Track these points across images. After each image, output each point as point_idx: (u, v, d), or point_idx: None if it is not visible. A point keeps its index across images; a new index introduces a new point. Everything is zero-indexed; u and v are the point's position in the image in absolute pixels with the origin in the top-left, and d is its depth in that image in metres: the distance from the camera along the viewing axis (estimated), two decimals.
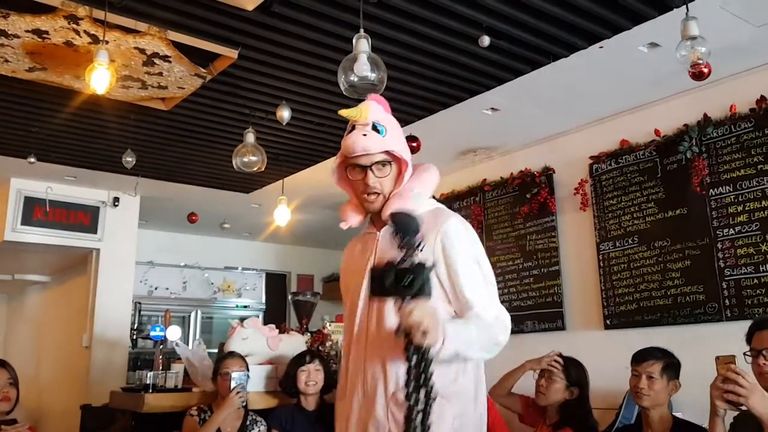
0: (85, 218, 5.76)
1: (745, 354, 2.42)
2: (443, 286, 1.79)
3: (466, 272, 1.78)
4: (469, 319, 1.76)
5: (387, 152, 1.84)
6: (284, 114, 3.77)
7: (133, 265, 6.06)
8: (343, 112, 1.84)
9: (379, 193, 1.85)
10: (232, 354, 3.49)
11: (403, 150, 1.86)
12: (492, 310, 1.79)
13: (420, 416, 1.49)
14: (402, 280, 1.52)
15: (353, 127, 1.83)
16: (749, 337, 2.43)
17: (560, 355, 3.32)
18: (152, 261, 7.10)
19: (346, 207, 1.95)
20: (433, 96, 3.91)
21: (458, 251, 1.79)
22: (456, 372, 1.78)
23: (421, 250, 1.59)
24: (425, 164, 1.97)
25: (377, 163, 1.83)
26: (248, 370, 3.40)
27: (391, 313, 1.72)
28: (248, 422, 3.32)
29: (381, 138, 1.81)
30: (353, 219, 1.92)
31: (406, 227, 1.57)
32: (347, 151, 1.81)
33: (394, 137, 1.85)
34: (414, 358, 1.53)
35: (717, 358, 2.21)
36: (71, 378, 5.94)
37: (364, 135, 1.79)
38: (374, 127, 1.81)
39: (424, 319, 1.51)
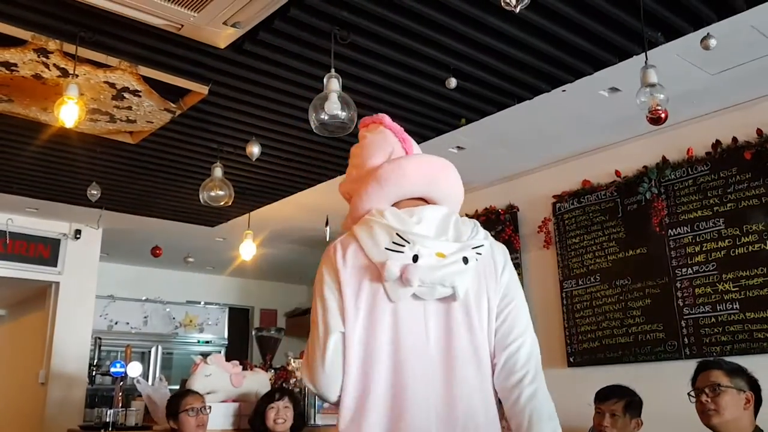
0: (45, 251, 5.65)
1: (689, 394, 2.50)
2: None
3: None
4: None
5: None
6: (254, 150, 3.78)
7: (93, 299, 5.94)
8: None
9: None
10: (191, 392, 3.42)
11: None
12: None
13: None
14: None
15: None
16: (694, 379, 2.52)
17: None
18: (113, 295, 6.96)
19: None
20: None
21: None
22: None
23: None
24: None
25: None
26: (209, 407, 3.34)
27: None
28: None
29: None
30: None
31: None
32: None
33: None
34: None
35: None
36: (26, 415, 5.75)
37: None
38: None
39: None
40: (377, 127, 1.79)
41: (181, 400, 3.22)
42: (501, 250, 1.64)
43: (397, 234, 1.53)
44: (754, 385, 2.43)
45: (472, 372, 1.51)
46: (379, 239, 1.54)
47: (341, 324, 1.52)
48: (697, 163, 3.82)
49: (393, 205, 1.65)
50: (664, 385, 3.45)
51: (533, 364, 1.53)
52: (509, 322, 1.55)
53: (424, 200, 1.69)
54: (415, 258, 1.51)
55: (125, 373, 4.19)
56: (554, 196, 4.54)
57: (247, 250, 5.31)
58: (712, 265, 3.66)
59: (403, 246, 1.52)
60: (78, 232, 5.81)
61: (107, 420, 3.52)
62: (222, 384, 3.73)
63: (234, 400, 3.74)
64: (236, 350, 7.37)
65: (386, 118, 1.79)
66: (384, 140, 1.76)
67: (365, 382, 1.50)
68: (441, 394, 1.49)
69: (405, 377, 1.49)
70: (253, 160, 3.89)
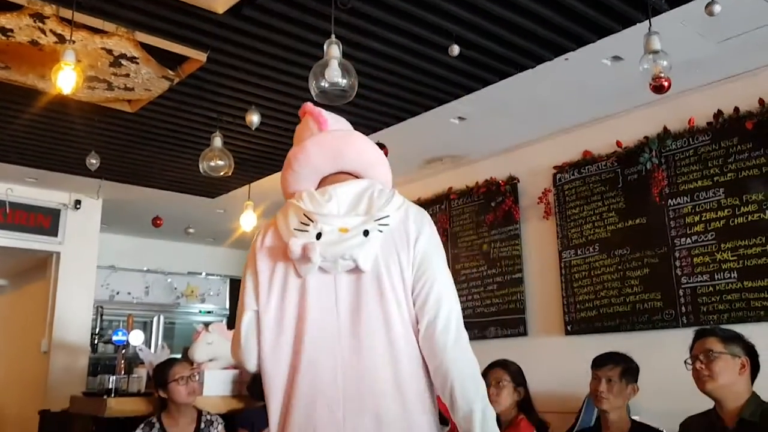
0: (45, 221, 5.66)
1: (685, 361, 2.53)
2: None
3: None
4: None
5: None
6: (254, 118, 3.77)
7: (94, 269, 5.96)
8: None
9: None
10: (178, 360, 3.43)
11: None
12: None
13: None
14: None
15: None
16: (692, 347, 2.55)
17: (502, 363, 3.35)
18: (114, 265, 7.00)
19: None
20: (402, 104, 3.95)
21: None
22: None
23: None
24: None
25: None
26: (197, 374, 3.32)
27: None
28: (203, 425, 3.21)
29: None
30: None
31: None
32: None
33: None
34: None
35: None
36: (28, 383, 5.81)
37: None
38: None
39: None
40: (303, 117, 1.88)
41: (169, 369, 3.19)
42: (417, 219, 1.67)
43: (304, 214, 1.65)
44: (750, 351, 2.46)
45: (380, 341, 1.58)
46: (290, 221, 1.67)
47: (255, 303, 1.66)
48: (698, 133, 3.81)
49: (320, 183, 1.77)
50: (661, 353, 3.48)
51: (452, 330, 1.57)
52: (425, 291, 1.59)
53: (352, 174, 1.77)
54: (319, 236, 1.61)
55: (127, 341, 4.23)
56: (555, 167, 4.53)
57: (248, 221, 5.31)
58: (711, 235, 3.67)
59: (308, 225, 1.64)
60: (78, 202, 5.81)
61: (110, 386, 3.54)
62: (224, 351, 3.76)
63: (234, 368, 3.78)
64: None
65: (308, 105, 1.88)
66: (305, 127, 1.85)
67: (277, 355, 1.62)
68: (349, 363, 1.57)
69: (308, 349, 1.59)
70: (253, 129, 3.87)
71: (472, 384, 1.56)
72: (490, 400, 3.28)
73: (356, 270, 1.61)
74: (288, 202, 1.75)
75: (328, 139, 1.79)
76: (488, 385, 3.24)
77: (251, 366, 1.68)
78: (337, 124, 1.86)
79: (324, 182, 1.78)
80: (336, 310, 1.61)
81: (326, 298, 1.62)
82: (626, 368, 2.96)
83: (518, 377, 3.26)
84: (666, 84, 2.72)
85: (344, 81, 2.66)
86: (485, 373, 3.34)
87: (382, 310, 1.59)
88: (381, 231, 1.62)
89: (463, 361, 1.57)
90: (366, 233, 1.61)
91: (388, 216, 1.64)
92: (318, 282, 1.63)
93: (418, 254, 1.62)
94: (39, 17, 2.88)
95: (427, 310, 1.59)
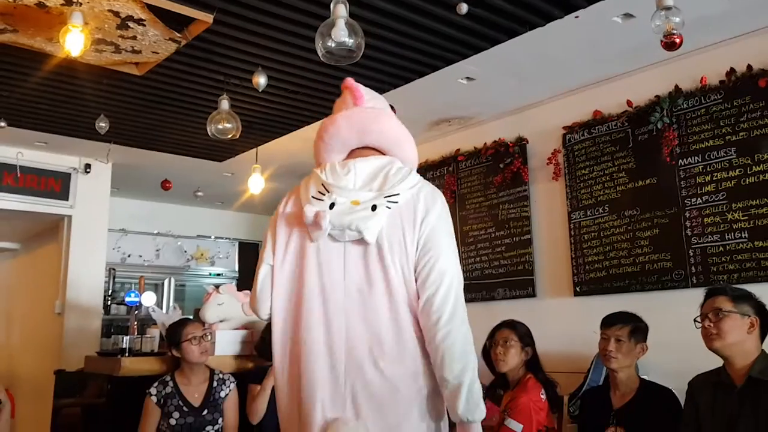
0: (56, 185, 5.69)
1: (695, 320, 2.55)
2: None
3: None
4: None
5: None
6: (260, 80, 3.75)
7: (105, 233, 6.02)
8: None
9: None
10: (190, 320, 3.48)
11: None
12: None
13: None
14: None
15: None
16: (702, 306, 2.57)
17: (510, 323, 3.38)
18: (125, 228, 7.06)
19: None
20: (410, 64, 3.91)
21: None
22: None
23: None
24: None
25: None
26: (209, 334, 3.38)
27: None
28: (215, 383, 3.27)
29: None
30: None
31: None
32: None
33: None
34: None
35: None
36: (43, 345, 5.92)
37: None
38: None
39: None
40: (343, 92, 2.00)
41: (182, 329, 3.24)
42: (428, 199, 1.78)
43: (323, 185, 1.82)
44: (760, 311, 2.47)
45: (384, 303, 1.71)
46: (310, 190, 1.84)
47: (271, 259, 1.85)
48: (710, 91, 3.76)
49: (348, 156, 1.91)
50: (670, 313, 3.50)
51: (449, 307, 1.68)
52: (428, 268, 1.70)
53: (377, 150, 1.90)
54: (332, 206, 1.76)
55: (140, 302, 4.29)
56: (564, 128, 4.50)
57: (256, 185, 5.33)
58: (722, 195, 3.65)
59: (324, 195, 1.79)
60: (88, 166, 5.83)
61: (124, 346, 3.61)
62: (234, 312, 3.83)
63: (245, 328, 3.84)
64: (246, 283, 7.42)
65: (348, 80, 1.99)
66: (342, 101, 1.98)
67: (286, 310, 1.81)
68: (353, 326, 1.71)
69: (315, 308, 1.75)
70: (260, 90, 3.86)
71: (460, 359, 1.64)
72: (496, 360, 3.35)
73: (362, 241, 1.73)
74: (312, 171, 1.90)
75: (357, 114, 1.90)
76: (495, 345, 3.30)
77: (263, 313, 1.87)
78: (372, 101, 1.96)
79: (351, 155, 1.90)
80: (344, 276, 1.75)
81: (336, 265, 1.76)
82: (635, 327, 2.98)
83: (526, 337, 3.30)
84: (678, 41, 2.68)
85: (351, 41, 2.63)
86: (493, 333, 3.38)
87: (385, 281, 1.71)
88: (389, 207, 1.73)
89: (455, 337, 1.65)
90: (374, 208, 1.73)
91: (398, 194, 1.75)
92: (329, 248, 1.77)
93: (424, 233, 1.73)
94: None
95: (428, 286, 1.69)
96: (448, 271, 1.71)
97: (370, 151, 1.89)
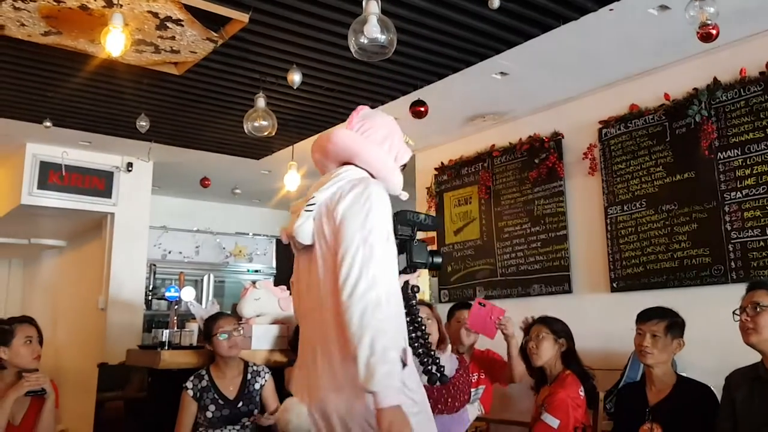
0: (99, 183, 5.85)
1: (734, 312, 2.51)
2: None
3: None
4: None
5: None
6: (295, 78, 3.79)
7: (146, 230, 6.16)
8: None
9: None
10: (224, 315, 3.53)
11: None
12: None
13: None
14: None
15: None
16: (743, 298, 2.53)
17: (542, 318, 3.40)
18: (165, 226, 7.20)
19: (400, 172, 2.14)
20: (443, 60, 3.92)
21: None
22: None
23: None
24: None
25: None
26: (241, 328, 3.43)
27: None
28: (249, 376, 3.33)
29: None
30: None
31: (436, 227, 2.16)
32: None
33: None
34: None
35: None
36: (87, 339, 6.09)
37: None
38: None
39: None
40: None
41: (213, 323, 3.31)
42: (343, 193, 1.89)
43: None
44: None
45: (328, 302, 1.86)
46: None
47: None
48: (750, 83, 3.68)
49: None
50: (709, 309, 3.45)
51: (349, 285, 1.75)
52: (340, 254, 1.81)
53: (350, 164, 2.04)
54: None
55: (179, 297, 4.38)
56: (600, 122, 4.45)
57: (292, 181, 5.39)
58: (763, 188, 3.57)
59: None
60: (130, 164, 5.98)
61: (164, 340, 3.69)
62: (270, 307, 3.89)
63: (281, 322, 3.90)
64: (284, 279, 7.52)
65: (358, 108, 2.17)
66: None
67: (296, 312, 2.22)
68: (317, 318, 1.91)
69: (300, 309, 2.08)
70: (295, 88, 3.90)
71: (356, 332, 1.71)
72: (530, 354, 3.35)
73: (308, 247, 1.95)
74: None
75: (320, 137, 2.11)
76: (529, 341, 3.29)
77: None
78: (361, 121, 2.09)
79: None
80: (306, 279, 1.98)
81: (301, 271, 2.02)
82: (671, 323, 2.94)
83: (558, 330, 3.28)
84: (714, 32, 2.65)
85: (383, 37, 2.65)
86: (527, 330, 3.38)
87: (318, 279, 1.90)
88: (309, 211, 1.92)
89: (352, 312, 1.72)
90: (299, 215, 1.94)
91: (314, 197, 1.92)
92: (298, 257, 2.05)
93: (337, 222, 1.85)
94: None
95: (339, 272, 1.79)
96: (351, 253, 1.78)
97: (346, 165, 2.02)
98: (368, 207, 1.84)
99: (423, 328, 2.04)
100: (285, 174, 5.48)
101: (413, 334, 2.03)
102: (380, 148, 2.05)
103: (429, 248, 2.15)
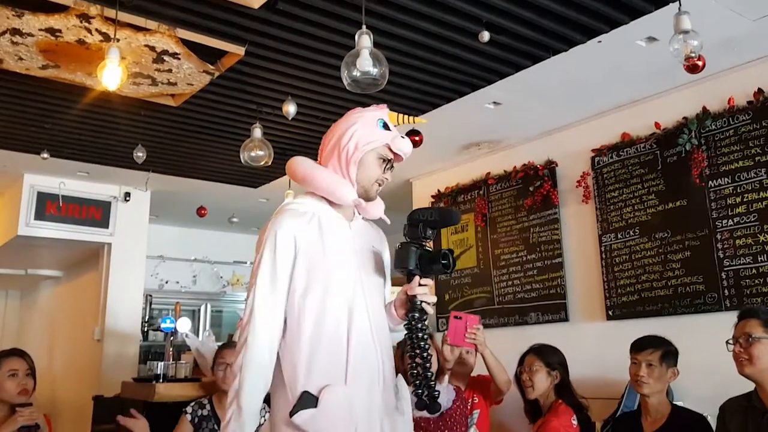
0: (96, 213, 5.86)
1: (727, 342, 2.52)
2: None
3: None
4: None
5: None
6: (290, 109, 3.85)
7: (144, 259, 6.16)
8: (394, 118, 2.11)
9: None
10: (229, 345, 3.52)
11: None
12: None
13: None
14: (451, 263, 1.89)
15: (387, 126, 2.06)
16: (735, 327, 2.54)
17: (536, 348, 3.36)
18: (163, 255, 7.20)
19: (341, 179, 1.99)
20: (435, 90, 3.98)
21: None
22: None
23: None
24: None
25: None
26: None
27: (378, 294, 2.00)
28: None
29: None
30: (351, 195, 1.98)
31: (451, 219, 2.04)
32: (404, 151, 2.02)
33: None
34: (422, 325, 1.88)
35: None
36: (83, 370, 6.05)
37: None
38: None
39: (431, 294, 1.92)
40: None
41: (218, 354, 3.32)
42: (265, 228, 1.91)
43: None
44: None
45: None
46: None
47: None
48: (738, 112, 3.73)
49: None
50: (703, 336, 3.45)
51: (244, 324, 1.81)
52: None
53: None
54: None
55: (175, 328, 4.38)
56: (593, 150, 4.50)
57: None
58: (754, 216, 3.60)
59: None
60: (127, 194, 6.00)
61: (158, 372, 3.69)
62: None
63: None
64: None
65: None
66: None
67: None
68: None
69: None
70: (290, 119, 3.95)
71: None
72: (524, 386, 3.33)
73: None
74: None
75: None
76: (522, 372, 3.27)
77: None
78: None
79: None
80: None
81: None
82: (666, 351, 2.95)
83: (552, 361, 3.27)
84: (700, 63, 2.69)
85: (375, 70, 2.70)
86: (521, 359, 3.36)
87: None
88: None
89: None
90: None
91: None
92: None
93: None
94: (85, 17, 3.00)
95: None
96: (252, 290, 1.83)
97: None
98: (263, 248, 1.86)
99: (425, 354, 1.86)
100: (282, 202, 5.50)
101: (413, 358, 1.88)
102: (325, 165, 2.01)
103: (427, 248, 1.94)
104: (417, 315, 1.88)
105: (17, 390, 2.91)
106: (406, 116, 2.15)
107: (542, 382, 3.22)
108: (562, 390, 3.24)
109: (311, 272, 1.84)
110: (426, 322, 1.90)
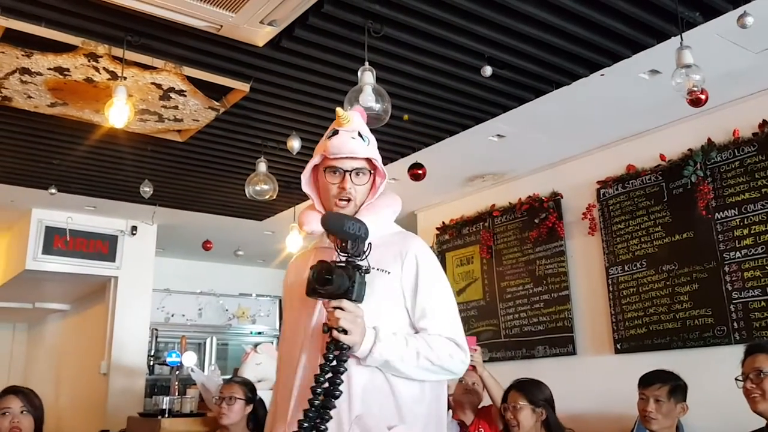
0: (103, 247, 5.89)
1: (736, 379, 2.48)
2: (407, 301, 1.76)
3: (439, 297, 1.79)
4: (416, 336, 1.72)
5: (368, 161, 1.83)
6: (294, 144, 3.88)
7: (150, 293, 6.17)
8: (340, 111, 1.81)
9: (351, 200, 1.79)
10: (229, 381, 3.50)
11: (380, 163, 1.86)
12: (447, 335, 1.75)
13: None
14: (329, 280, 1.55)
15: (336, 131, 1.80)
16: (742, 362, 2.50)
17: (518, 384, 3.23)
18: (169, 288, 7.20)
19: (309, 212, 1.87)
20: (439, 124, 4.00)
21: (434, 274, 1.80)
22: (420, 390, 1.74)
23: (364, 259, 1.61)
24: (388, 191, 1.93)
25: (357, 169, 1.80)
26: (252, 394, 3.33)
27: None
28: None
29: (365, 145, 1.81)
30: (315, 224, 1.80)
31: (357, 232, 1.60)
32: (334, 152, 1.77)
33: (375, 149, 1.86)
34: (331, 355, 1.55)
35: None
36: (89, 404, 6.02)
37: (353, 138, 1.78)
38: (359, 135, 1.81)
39: (346, 318, 1.56)
40: None
41: (220, 389, 3.31)
42: None
43: None
44: None
45: None
46: None
47: None
48: (743, 144, 3.73)
49: None
50: (713, 370, 3.41)
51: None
52: None
53: None
54: None
55: (180, 362, 4.36)
56: (598, 182, 4.49)
57: (294, 242, 5.42)
58: (761, 248, 3.57)
59: None
60: (134, 228, 6.04)
61: (164, 407, 3.67)
62: (272, 372, 3.85)
63: None
64: None
65: None
66: None
67: None
68: None
69: None
70: (294, 154, 3.98)
71: None
72: (509, 425, 3.18)
73: None
74: None
75: None
76: (506, 410, 3.13)
77: None
78: None
79: None
80: None
81: None
82: (674, 386, 2.91)
83: (537, 398, 3.08)
84: (703, 97, 2.70)
85: (378, 106, 2.73)
86: (505, 396, 3.21)
87: None
88: None
89: None
90: None
91: None
92: None
93: None
94: (93, 57, 3.05)
95: None
96: None
97: None
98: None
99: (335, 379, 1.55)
100: (287, 235, 5.52)
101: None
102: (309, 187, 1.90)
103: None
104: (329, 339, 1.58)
105: (8, 429, 2.88)
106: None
107: (527, 420, 3.02)
108: (551, 427, 3.11)
109: None
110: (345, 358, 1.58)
